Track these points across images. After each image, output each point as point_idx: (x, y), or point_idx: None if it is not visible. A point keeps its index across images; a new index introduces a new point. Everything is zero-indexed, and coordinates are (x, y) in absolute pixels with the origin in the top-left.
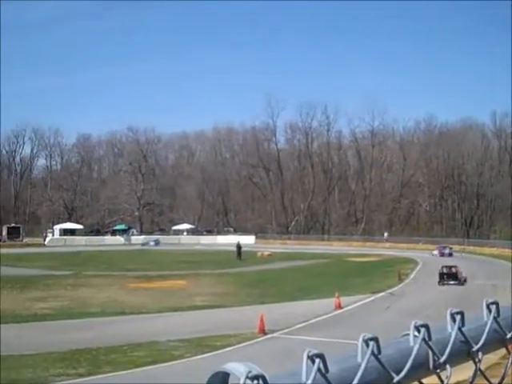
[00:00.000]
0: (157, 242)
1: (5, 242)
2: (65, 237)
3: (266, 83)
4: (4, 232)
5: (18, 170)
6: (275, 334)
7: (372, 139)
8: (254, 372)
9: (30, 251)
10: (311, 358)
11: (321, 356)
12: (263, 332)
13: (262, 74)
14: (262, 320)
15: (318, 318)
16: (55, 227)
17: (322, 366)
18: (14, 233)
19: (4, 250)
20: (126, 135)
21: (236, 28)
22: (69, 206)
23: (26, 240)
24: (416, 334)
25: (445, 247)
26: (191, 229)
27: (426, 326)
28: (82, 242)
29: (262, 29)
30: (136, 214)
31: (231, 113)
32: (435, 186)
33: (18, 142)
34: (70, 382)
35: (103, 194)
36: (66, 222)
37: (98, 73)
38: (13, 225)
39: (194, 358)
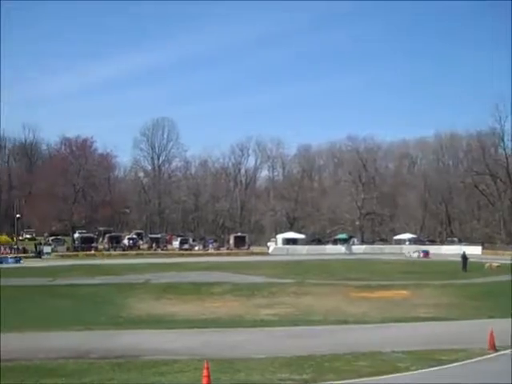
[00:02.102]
0: (17, 260)
1: (232, 249)
2: (287, 246)
3: (492, 86)
4: (231, 241)
5: (243, 181)
6: (508, 351)
7: None
8: None
9: (255, 259)
10: None
11: None
12: (494, 348)
13: (489, 77)
14: (491, 335)
15: None
16: (278, 236)
17: None
18: (240, 242)
19: (231, 259)
20: (345, 144)
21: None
22: (291, 215)
23: (252, 248)
24: None
25: None
26: (413, 238)
27: None
28: (303, 251)
29: (485, 28)
30: (357, 223)
31: (454, 118)
32: None
33: (242, 155)
34: None
35: (324, 203)
36: (288, 231)
37: (316, 85)
38: (239, 234)
39: (420, 371)
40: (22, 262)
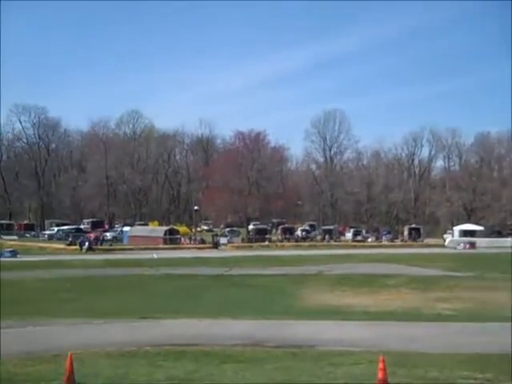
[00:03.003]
0: (14, 253)
1: (406, 241)
2: (464, 238)
3: None
4: (405, 232)
5: (417, 172)
6: None
7: None
8: None
9: (431, 252)
10: None
11: None
12: None
13: None
14: None
15: None
16: (454, 228)
17: None
18: (414, 233)
19: (406, 251)
20: None
21: None
22: (468, 206)
23: (426, 240)
24: None
25: None
26: None
27: None
28: (482, 243)
29: None
30: None
31: None
32: None
33: (416, 145)
34: None
35: (504, 194)
36: (465, 223)
37: (494, 71)
38: (413, 225)
39: None
40: (18, 255)
